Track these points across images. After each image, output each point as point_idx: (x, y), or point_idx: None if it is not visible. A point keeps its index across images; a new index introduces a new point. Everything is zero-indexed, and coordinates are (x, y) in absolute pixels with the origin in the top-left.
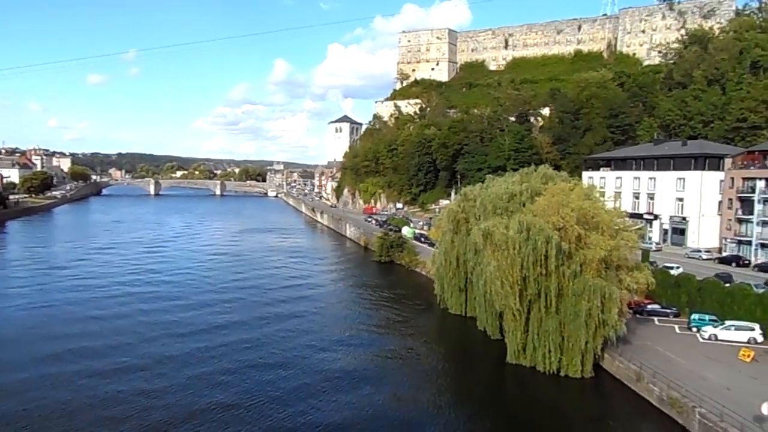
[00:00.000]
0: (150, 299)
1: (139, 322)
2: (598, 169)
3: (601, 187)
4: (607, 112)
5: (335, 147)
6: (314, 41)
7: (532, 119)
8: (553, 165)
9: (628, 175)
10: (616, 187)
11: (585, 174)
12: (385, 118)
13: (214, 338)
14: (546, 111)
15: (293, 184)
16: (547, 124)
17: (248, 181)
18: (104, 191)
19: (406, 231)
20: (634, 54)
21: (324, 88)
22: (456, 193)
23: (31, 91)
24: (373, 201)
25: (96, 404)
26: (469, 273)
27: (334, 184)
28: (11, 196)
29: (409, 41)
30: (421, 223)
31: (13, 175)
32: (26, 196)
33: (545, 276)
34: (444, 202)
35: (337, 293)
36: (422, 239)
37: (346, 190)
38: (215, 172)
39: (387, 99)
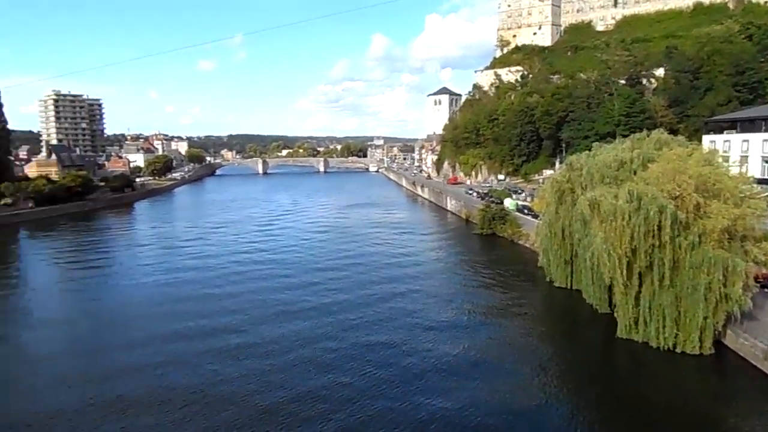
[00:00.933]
0: (260, 277)
1: (250, 299)
2: (721, 132)
3: (724, 152)
4: (732, 69)
5: (434, 120)
6: (411, 13)
7: (644, 81)
8: (668, 129)
9: (756, 138)
10: (742, 151)
11: (705, 138)
12: (485, 88)
13: (321, 317)
14: (660, 72)
15: (394, 159)
16: (662, 85)
17: (350, 157)
18: (218, 171)
19: (508, 203)
20: (766, 2)
21: (422, 60)
22: (560, 163)
23: (151, 80)
24: (473, 173)
25: (209, 383)
26: (575, 245)
27: (434, 157)
28: (137, 179)
29: (509, 6)
30: (524, 194)
31: (139, 160)
32: (150, 178)
33: (659, 247)
34: (548, 173)
35: (440, 267)
36: (525, 211)
37: (446, 163)
38: (318, 149)
39: (487, 68)
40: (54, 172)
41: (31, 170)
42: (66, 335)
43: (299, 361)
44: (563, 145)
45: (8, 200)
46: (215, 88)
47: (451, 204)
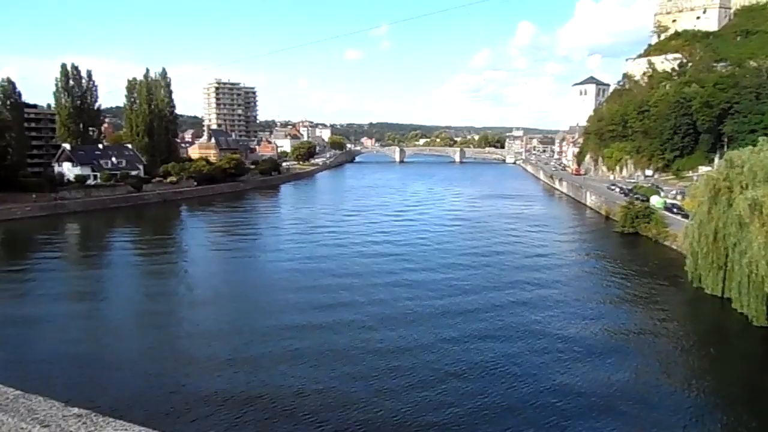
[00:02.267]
0: (394, 261)
1: (384, 282)
2: None
3: None
4: None
5: (578, 111)
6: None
7: None
8: None
9: None
10: None
11: None
12: (637, 77)
13: (452, 304)
14: None
15: (532, 151)
16: None
17: (487, 148)
18: (357, 158)
19: (655, 200)
20: None
21: (569, 49)
22: (720, 159)
23: (301, 69)
24: (618, 168)
25: (342, 357)
26: (729, 249)
27: (575, 150)
28: (284, 163)
29: None
30: (674, 191)
31: (286, 145)
32: (295, 163)
33: None
34: (704, 169)
35: (575, 264)
36: (674, 210)
37: (588, 157)
38: (455, 139)
39: (640, 56)
40: (213, 155)
41: (193, 152)
42: (214, 299)
43: (425, 345)
44: (724, 139)
45: (174, 179)
46: (360, 77)
47: (590, 199)
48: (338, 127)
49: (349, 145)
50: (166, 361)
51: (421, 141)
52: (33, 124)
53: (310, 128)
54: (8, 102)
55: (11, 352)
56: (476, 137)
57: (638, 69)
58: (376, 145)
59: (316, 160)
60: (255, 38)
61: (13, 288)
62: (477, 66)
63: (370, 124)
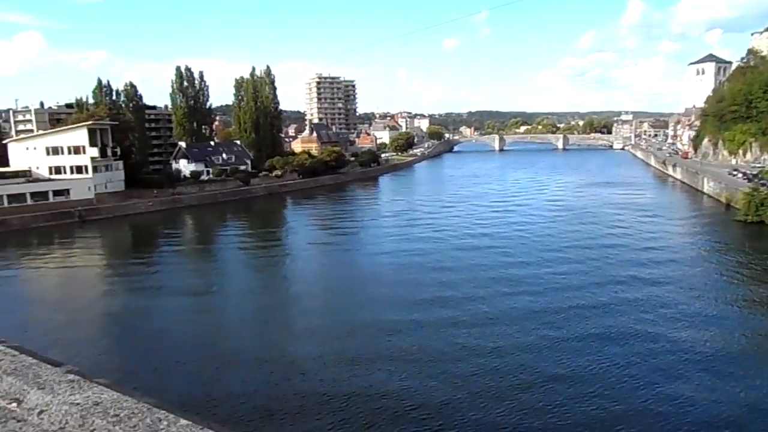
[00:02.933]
0: (493, 254)
1: (483, 277)
2: None
3: None
4: None
5: (695, 92)
6: None
7: None
8: None
9: None
10: None
11: None
12: (764, 53)
13: (554, 301)
14: None
15: (642, 136)
16: None
17: (592, 134)
18: (455, 148)
19: None
20: None
21: (685, 25)
22: None
23: (399, 61)
24: (740, 151)
25: (441, 355)
26: None
27: (692, 134)
28: (382, 155)
29: None
30: None
31: (385, 137)
32: (393, 154)
33: None
34: None
35: (691, 258)
36: None
37: (705, 140)
38: (558, 125)
39: None
40: (314, 148)
41: (296, 146)
42: (318, 293)
43: (525, 343)
44: None
45: (278, 172)
46: (458, 66)
47: (708, 186)
48: (436, 117)
49: (447, 135)
50: (269, 355)
51: (522, 128)
52: (153, 125)
53: (408, 119)
54: (131, 104)
55: (128, 341)
56: (581, 123)
57: (766, 44)
58: (475, 134)
59: (415, 150)
60: (354, 32)
61: (137, 279)
62: (582, 48)
63: (469, 112)
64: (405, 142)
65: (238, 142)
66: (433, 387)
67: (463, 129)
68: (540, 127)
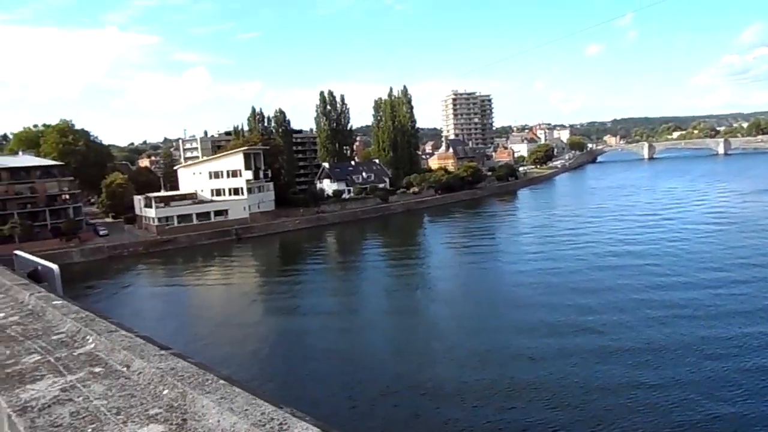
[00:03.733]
0: (642, 274)
1: (629, 300)
2: None
3: None
4: None
5: None
6: None
7: None
8: None
9: None
10: None
11: None
12: None
13: (716, 328)
14: None
15: None
16: None
17: (759, 136)
18: (599, 158)
19: None
20: None
21: None
22: None
23: (536, 71)
24: None
25: (583, 388)
26: None
27: None
28: (520, 168)
29: None
30: None
31: (522, 149)
32: (532, 167)
33: None
34: None
35: None
36: None
37: None
38: (717, 129)
39: None
40: (451, 164)
41: (433, 162)
42: (456, 312)
43: (685, 378)
44: None
45: (416, 189)
46: (601, 73)
47: None
48: (578, 126)
49: (590, 145)
50: (398, 382)
51: (675, 134)
52: (299, 147)
53: (547, 131)
54: (280, 129)
55: (284, 349)
56: (744, 125)
57: None
58: (621, 142)
59: (554, 162)
60: (490, 45)
61: (283, 293)
62: (744, 43)
63: (614, 120)
64: (544, 155)
65: (377, 160)
66: (575, 422)
67: (607, 138)
68: (696, 131)
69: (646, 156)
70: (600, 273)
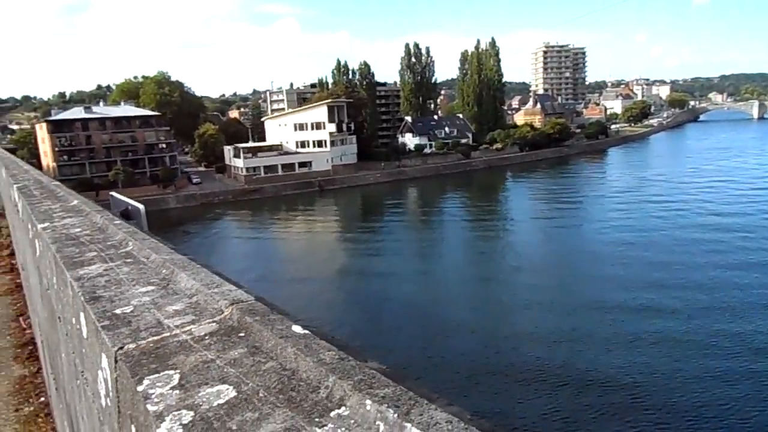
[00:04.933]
0: (743, 249)
1: (728, 279)
2: None
3: None
4: None
5: None
6: None
7: None
8: None
9: None
10: None
11: None
12: None
13: None
14: None
15: None
16: None
17: None
18: (701, 117)
19: None
20: None
21: None
22: None
23: (638, 23)
24: None
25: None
26: None
27: None
28: (612, 126)
29: None
30: None
31: (616, 106)
32: (626, 125)
33: None
34: None
35: None
36: None
37: None
38: None
39: None
40: (537, 120)
41: (519, 118)
42: (535, 268)
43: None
44: None
45: (499, 145)
46: (708, 25)
47: None
48: (680, 83)
49: (692, 103)
50: (481, 326)
51: None
52: (382, 101)
53: (645, 87)
54: (365, 82)
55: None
56: None
57: None
58: (728, 100)
59: (651, 120)
60: None
61: (364, 244)
62: None
63: (722, 77)
64: (639, 112)
65: (461, 115)
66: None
67: (712, 95)
68: None
69: (755, 116)
70: (698, 246)
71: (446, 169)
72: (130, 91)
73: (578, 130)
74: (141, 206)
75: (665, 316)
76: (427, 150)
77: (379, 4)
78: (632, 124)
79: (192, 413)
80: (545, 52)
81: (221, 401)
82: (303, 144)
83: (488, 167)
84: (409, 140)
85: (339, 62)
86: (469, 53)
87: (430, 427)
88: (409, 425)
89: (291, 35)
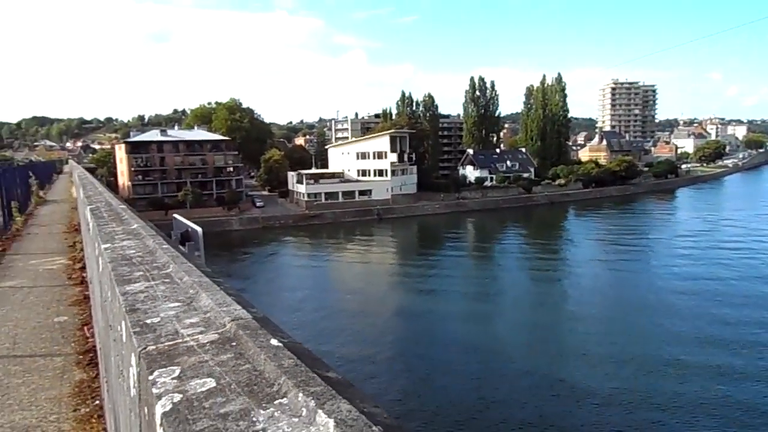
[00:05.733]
0: None
1: None
2: None
3: None
4: None
5: None
6: None
7: None
8: None
9: None
10: None
11: None
12: None
13: None
14: None
15: None
16: None
17: None
18: None
19: None
20: None
21: None
22: None
23: (713, 60)
24: None
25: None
26: None
27: None
28: (683, 165)
29: None
30: None
31: (688, 145)
32: (697, 164)
33: None
34: None
35: None
36: None
37: None
38: None
39: None
40: (603, 157)
41: (583, 154)
42: (590, 315)
43: None
44: None
45: (562, 181)
46: None
47: None
48: (758, 123)
49: None
50: (539, 383)
51: None
52: (445, 132)
53: (719, 126)
54: (428, 114)
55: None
56: None
57: None
58: None
59: (725, 161)
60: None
61: (418, 278)
62: None
63: None
64: (713, 152)
65: (524, 149)
66: None
67: None
68: None
69: None
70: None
71: (506, 202)
72: (204, 116)
73: (646, 169)
74: (199, 229)
75: (728, 377)
76: (488, 183)
77: (444, 37)
78: (704, 164)
79: (181, 396)
80: (613, 89)
81: (204, 389)
82: (364, 172)
83: (550, 203)
84: (470, 173)
85: (403, 94)
86: (535, 88)
87: (334, 413)
88: (321, 411)
89: (358, 66)
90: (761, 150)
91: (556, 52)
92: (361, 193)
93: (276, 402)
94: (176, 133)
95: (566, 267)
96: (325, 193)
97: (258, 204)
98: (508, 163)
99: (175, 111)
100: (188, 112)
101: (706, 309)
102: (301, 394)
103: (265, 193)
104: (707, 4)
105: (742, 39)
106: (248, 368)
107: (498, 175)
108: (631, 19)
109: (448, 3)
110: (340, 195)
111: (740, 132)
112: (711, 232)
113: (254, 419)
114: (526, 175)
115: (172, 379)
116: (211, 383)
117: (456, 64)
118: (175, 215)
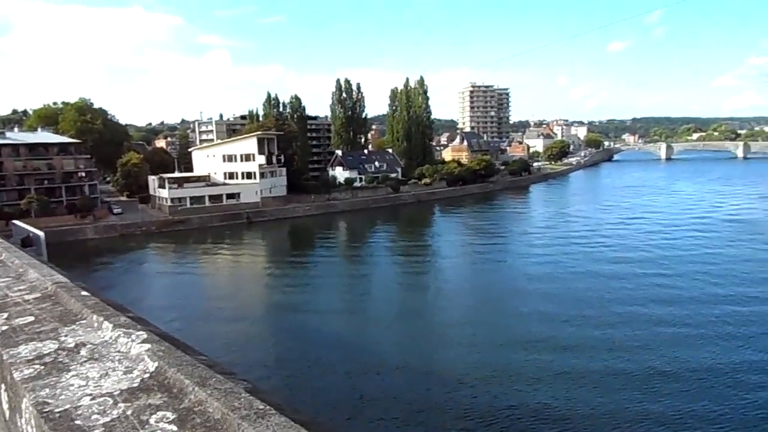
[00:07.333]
0: (649, 285)
1: (629, 312)
2: None
3: None
4: None
5: None
6: None
7: None
8: None
9: None
10: None
11: None
12: None
13: (732, 351)
14: None
15: None
16: None
17: None
18: (615, 157)
19: None
20: None
21: None
22: None
23: (559, 66)
24: None
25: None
26: None
27: None
28: (534, 164)
29: None
30: None
31: (538, 145)
32: (546, 163)
33: None
34: None
35: None
36: None
37: None
38: (738, 132)
39: None
40: (465, 156)
41: (446, 154)
42: (460, 303)
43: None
44: None
45: (428, 180)
46: (624, 70)
47: None
48: (596, 124)
49: (607, 143)
50: (408, 362)
51: (695, 136)
52: (313, 134)
53: (564, 127)
54: (295, 115)
55: (287, 337)
56: (767, 129)
57: None
58: (639, 141)
59: (569, 159)
60: (513, 37)
61: (291, 278)
62: None
63: (633, 119)
64: (559, 151)
65: (391, 150)
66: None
67: (625, 137)
68: (716, 134)
69: (663, 156)
70: (613, 281)
71: (375, 202)
72: (49, 117)
73: (503, 167)
74: (41, 233)
75: (585, 350)
76: (357, 183)
77: (312, 38)
78: (553, 162)
79: (7, 326)
80: (471, 92)
81: (25, 321)
82: (232, 175)
83: (417, 201)
84: (340, 174)
85: (269, 95)
86: (399, 90)
87: (114, 322)
88: (106, 321)
89: (222, 67)
90: (599, 149)
91: (425, 53)
92: (229, 196)
93: (78, 322)
94: (16, 136)
95: (434, 261)
96: (191, 198)
97: (115, 211)
98: (377, 163)
99: (15, 111)
100: (30, 112)
101: (556, 290)
102: (95, 315)
103: (124, 198)
104: (553, 16)
105: (583, 47)
106: (61, 309)
107: (367, 176)
108: (487, 26)
109: (314, 4)
110: (207, 199)
111: (581, 132)
112: (561, 225)
113: (60, 332)
114: (393, 175)
115: (3, 320)
116: (30, 318)
117: (325, 65)
118: (15, 221)
